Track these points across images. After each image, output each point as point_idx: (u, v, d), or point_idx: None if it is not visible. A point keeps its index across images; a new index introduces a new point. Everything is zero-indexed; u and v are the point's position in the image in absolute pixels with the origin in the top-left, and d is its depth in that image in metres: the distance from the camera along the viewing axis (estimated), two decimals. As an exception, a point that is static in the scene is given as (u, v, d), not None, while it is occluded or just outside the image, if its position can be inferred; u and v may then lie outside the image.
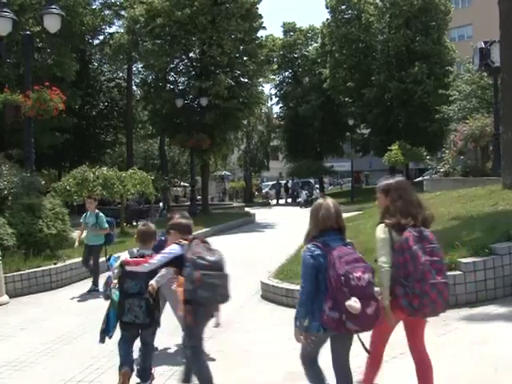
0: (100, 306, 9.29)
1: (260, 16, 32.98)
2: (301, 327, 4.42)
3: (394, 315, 4.57)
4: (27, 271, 11.04)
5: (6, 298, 10.16)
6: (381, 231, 4.79)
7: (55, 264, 11.71)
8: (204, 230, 20.26)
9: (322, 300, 4.35)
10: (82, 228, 11.24)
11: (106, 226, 10.91)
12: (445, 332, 6.58)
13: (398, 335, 4.91)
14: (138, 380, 5.71)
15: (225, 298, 5.18)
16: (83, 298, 10.49)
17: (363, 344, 4.71)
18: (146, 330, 5.75)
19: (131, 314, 5.53)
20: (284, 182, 54.96)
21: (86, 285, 11.96)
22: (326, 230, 4.59)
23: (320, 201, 4.87)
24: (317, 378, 4.70)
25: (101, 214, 10.99)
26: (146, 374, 5.74)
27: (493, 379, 5.22)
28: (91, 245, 11.05)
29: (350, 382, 4.69)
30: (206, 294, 4.96)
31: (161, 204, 35.31)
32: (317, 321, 4.38)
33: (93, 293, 10.61)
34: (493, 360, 5.59)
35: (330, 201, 4.83)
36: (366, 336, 4.72)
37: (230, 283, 5.14)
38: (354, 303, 4.15)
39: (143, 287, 5.47)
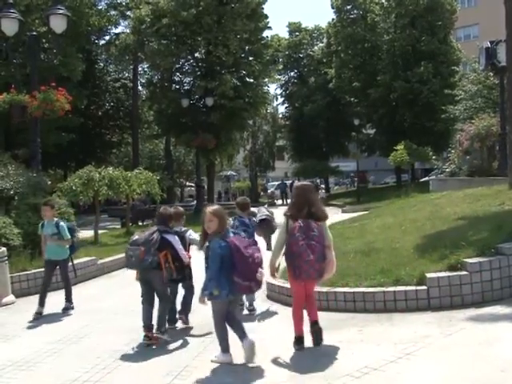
0: (105, 306, 9.34)
1: (265, 16, 33.05)
2: (208, 295, 6.13)
3: (291, 279, 6.67)
4: (33, 271, 11.06)
5: (12, 297, 10.18)
6: (282, 219, 6.74)
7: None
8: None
9: (229, 275, 6.06)
10: (44, 240, 9.44)
11: (69, 236, 9.36)
12: (451, 332, 6.56)
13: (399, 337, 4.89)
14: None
15: (134, 265, 7.42)
16: (88, 297, 10.50)
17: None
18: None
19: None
20: (290, 181, 54.89)
21: (92, 284, 12.02)
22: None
23: (222, 209, 6.49)
24: (223, 331, 6.37)
25: (61, 222, 9.47)
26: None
27: (499, 380, 5.19)
28: (55, 260, 9.39)
29: (242, 327, 6.41)
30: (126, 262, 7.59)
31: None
32: (225, 289, 6.08)
33: (69, 311, 9.36)
34: (499, 361, 5.57)
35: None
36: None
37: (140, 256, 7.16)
38: (260, 274, 6.21)
39: None
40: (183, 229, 8.09)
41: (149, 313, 7.47)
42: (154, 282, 7.50)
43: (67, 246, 9.41)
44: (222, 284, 6.06)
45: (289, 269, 6.58)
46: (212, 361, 6.33)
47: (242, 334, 6.32)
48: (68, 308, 9.43)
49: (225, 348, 6.33)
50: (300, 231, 6.34)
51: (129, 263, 7.49)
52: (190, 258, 7.84)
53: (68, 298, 9.54)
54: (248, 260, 6.10)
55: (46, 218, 9.33)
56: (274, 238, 7.20)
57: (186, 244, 7.91)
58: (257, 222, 8.66)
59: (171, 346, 7.14)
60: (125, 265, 8.00)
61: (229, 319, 6.36)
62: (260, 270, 6.23)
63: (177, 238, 7.58)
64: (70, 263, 9.70)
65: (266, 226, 8.76)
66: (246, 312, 8.53)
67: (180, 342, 7.33)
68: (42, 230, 9.41)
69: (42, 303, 9.07)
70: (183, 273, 7.81)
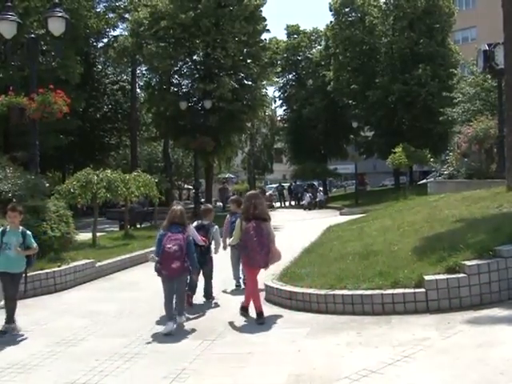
0: (103, 309, 9.33)
1: (264, 19, 33.07)
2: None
3: (246, 267, 8.76)
4: (31, 273, 11.03)
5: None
6: (238, 220, 8.78)
7: (59, 266, 11.69)
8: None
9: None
10: None
11: (36, 244, 8.41)
12: (450, 335, 6.56)
13: (398, 339, 4.89)
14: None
15: None
16: (87, 300, 10.49)
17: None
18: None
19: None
20: (288, 184, 54.93)
21: (90, 287, 11.98)
22: (172, 223, 8.20)
23: (173, 206, 8.47)
24: (169, 307, 8.12)
25: (27, 231, 8.36)
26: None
27: (498, 383, 5.18)
28: (13, 273, 8.16)
29: (183, 300, 8.42)
30: None
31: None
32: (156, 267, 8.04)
33: (7, 335, 7.99)
34: (498, 363, 5.57)
35: (178, 207, 8.44)
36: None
37: None
38: (151, 258, 8.12)
39: None
40: (211, 223, 9.84)
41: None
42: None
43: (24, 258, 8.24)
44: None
45: (243, 260, 8.68)
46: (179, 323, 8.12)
47: (180, 312, 8.27)
48: (7, 331, 8.02)
49: (169, 317, 8.05)
50: (253, 230, 8.14)
51: None
52: (205, 242, 9.36)
53: (10, 319, 8.11)
54: (164, 249, 7.95)
55: (14, 225, 8.21)
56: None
57: (210, 236, 9.62)
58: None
59: (169, 349, 7.13)
60: None
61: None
62: (174, 261, 7.89)
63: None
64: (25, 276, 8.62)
65: None
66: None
67: (178, 345, 7.33)
68: (2, 238, 8.13)
69: (10, 320, 8.07)
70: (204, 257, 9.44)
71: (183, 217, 8.29)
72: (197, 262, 8.43)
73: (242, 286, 10.46)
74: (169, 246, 7.89)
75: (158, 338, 7.64)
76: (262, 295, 9.19)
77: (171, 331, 7.75)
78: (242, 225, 8.41)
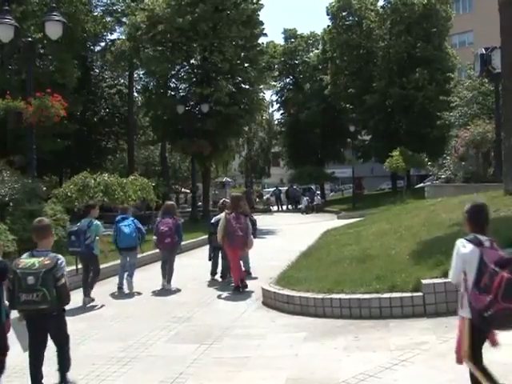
0: (101, 313, 9.31)
1: (261, 23, 33.05)
2: None
3: (227, 248, 11.01)
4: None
5: (6, 304, 10.12)
6: (223, 214, 11.15)
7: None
8: (204, 236, 20.16)
9: None
10: None
11: None
12: (447, 339, 6.54)
13: (395, 343, 4.88)
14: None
15: None
16: (83, 304, 10.46)
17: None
18: None
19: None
20: (285, 188, 54.90)
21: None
22: (164, 213, 11.62)
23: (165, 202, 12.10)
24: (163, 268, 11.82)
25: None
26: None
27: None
28: None
29: (172, 269, 11.70)
30: None
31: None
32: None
33: None
34: (496, 367, 5.55)
35: (169, 202, 13.52)
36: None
37: None
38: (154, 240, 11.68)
39: None
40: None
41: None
42: None
43: None
44: None
45: (226, 243, 10.93)
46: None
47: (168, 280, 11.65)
48: None
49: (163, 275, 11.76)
50: (233, 219, 10.85)
51: None
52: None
53: None
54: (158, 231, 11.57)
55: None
56: None
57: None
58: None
59: (166, 353, 7.12)
60: None
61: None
62: (166, 238, 11.44)
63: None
64: None
65: None
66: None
67: (175, 349, 7.31)
68: None
69: None
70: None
71: (173, 208, 12.28)
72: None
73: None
74: (161, 228, 11.46)
75: (155, 342, 7.62)
76: (259, 298, 9.18)
77: (164, 288, 11.52)
78: (226, 218, 10.92)
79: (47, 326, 5.84)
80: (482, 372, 4.58)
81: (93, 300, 10.41)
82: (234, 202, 11.26)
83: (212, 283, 12.24)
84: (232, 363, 6.48)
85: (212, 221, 12.40)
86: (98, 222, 10.62)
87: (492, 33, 19.50)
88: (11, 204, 13.46)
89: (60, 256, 5.78)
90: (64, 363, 6.05)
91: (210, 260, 12.87)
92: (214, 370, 6.37)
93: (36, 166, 15.15)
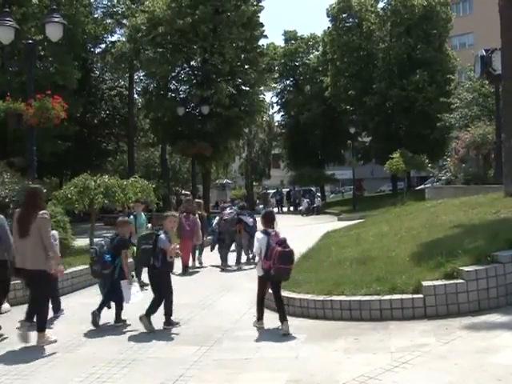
0: (101, 315, 9.28)
1: (261, 24, 33.13)
2: None
3: (180, 239, 13.59)
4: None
5: (7, 306, 10.12)
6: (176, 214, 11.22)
7: (56, 272, 11.64)
8: (204, 238, 20.14)
9: None
10: None
11: None
12: (447, 341, 6.55)
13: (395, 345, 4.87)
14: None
15: None
16: (84, 306, 10.44)
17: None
18: None
19: None
20: (287, 190, 54.83)
21: (87, 292, 11.94)
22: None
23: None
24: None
25: None
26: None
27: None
28: None
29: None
30: None
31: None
32: None
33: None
34: (496, 369, 5.55)
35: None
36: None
37: None
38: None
39: None
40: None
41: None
42: None
43: None
44: None
45: (180, 237, 13.68)
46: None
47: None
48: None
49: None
50: (184, 218, 14.11)
51: None
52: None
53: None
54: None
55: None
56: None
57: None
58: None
59: (166, 355, 7.10)
60: None
61: None
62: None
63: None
64: None
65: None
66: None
67: (175, 351, 7.30)
68: None
69: None
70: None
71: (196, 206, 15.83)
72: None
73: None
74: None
75: (155, 343, 7.61)
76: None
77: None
78: (180, 218, 13.15)
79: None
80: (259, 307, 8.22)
81: None
82: (187, 206, 15.36)
83: (212, 283, 12.24)
84: (232, 365, 6.47)
85: (225, 217, 15.06)
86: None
87: (492, 34, 19.53)
88: (11, 206, 13.43)
89: None
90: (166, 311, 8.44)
91: (211, 250, 15.66)
92: (214, 372, 6.36)
93: (36, 168, 15.11)
